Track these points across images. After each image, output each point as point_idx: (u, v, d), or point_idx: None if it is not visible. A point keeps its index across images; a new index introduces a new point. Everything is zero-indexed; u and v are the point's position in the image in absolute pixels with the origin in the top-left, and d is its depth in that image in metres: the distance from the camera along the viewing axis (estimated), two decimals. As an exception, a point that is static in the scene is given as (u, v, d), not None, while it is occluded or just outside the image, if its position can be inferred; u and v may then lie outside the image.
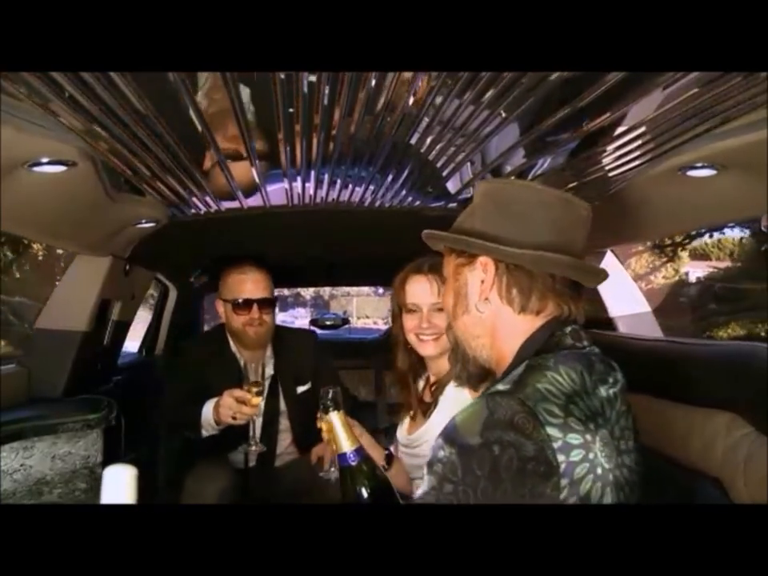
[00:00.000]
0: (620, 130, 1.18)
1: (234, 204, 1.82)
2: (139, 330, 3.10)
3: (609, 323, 2.11)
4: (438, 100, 1.09)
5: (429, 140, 1.33)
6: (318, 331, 4.02)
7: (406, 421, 1.58)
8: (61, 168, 1.25)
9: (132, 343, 2.92)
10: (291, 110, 1.11)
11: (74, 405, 1.84)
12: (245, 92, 1.03)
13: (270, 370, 2.00)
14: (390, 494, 0.98)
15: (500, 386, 0.77)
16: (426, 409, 1.51)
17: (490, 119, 1.17)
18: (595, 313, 2.17)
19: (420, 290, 1.49)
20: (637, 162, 1.36)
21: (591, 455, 0.71)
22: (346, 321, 5.07)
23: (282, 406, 2.04)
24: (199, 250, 2.53)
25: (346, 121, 1.18)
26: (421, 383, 1.60)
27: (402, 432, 1.58)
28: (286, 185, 1.66)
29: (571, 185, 1.62)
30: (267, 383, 1.92)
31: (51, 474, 1.67)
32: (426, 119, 1.20)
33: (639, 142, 1.23)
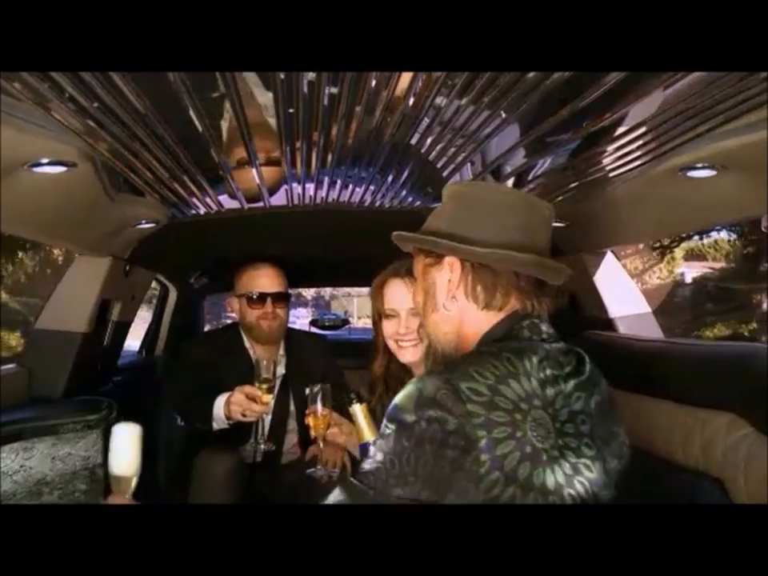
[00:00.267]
0: (620, 130, 1.18)
1: (235, 204, 1.83)
2: (141, 329, 3.11)
3: (609, 324, 2.11)
4: (439, 100, 1.09)
5: (429, 140, 1.33)
6: (318, 332, 4.02)
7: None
8: (61, 169, 1.25)
9: (133, 342, 2.92)
10: (291, 110, 1.12)
11: (74, 405, 1.84)
12: (267, 96, 1.04)
13: (281, 369, 2.01)
14: None
15: (437, 369, 0.83)
16: None
17: (490, 120, 1.17)
18: (595, 313, 2.17)
19: (398, 294, 1.45)
20: (637, 163, 1.36)
21: (519, 434, 0.74)
22: (346, 321, 5.08)
23: (292, 406, 2.05)
24: (199, 251, 2.54)
25: (346, 121, 1.18)
26: None
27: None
28: (286, 185, 1.66)
29: (571, 185, 1.62)
30: (278, 382, 1.93)
31: (51, 475, 1.66)
32: (427, 120, 1.20)
33: (639, 142, 1.23)
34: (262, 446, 1.81)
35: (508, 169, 1.52)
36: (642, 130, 1.16)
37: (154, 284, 2.92)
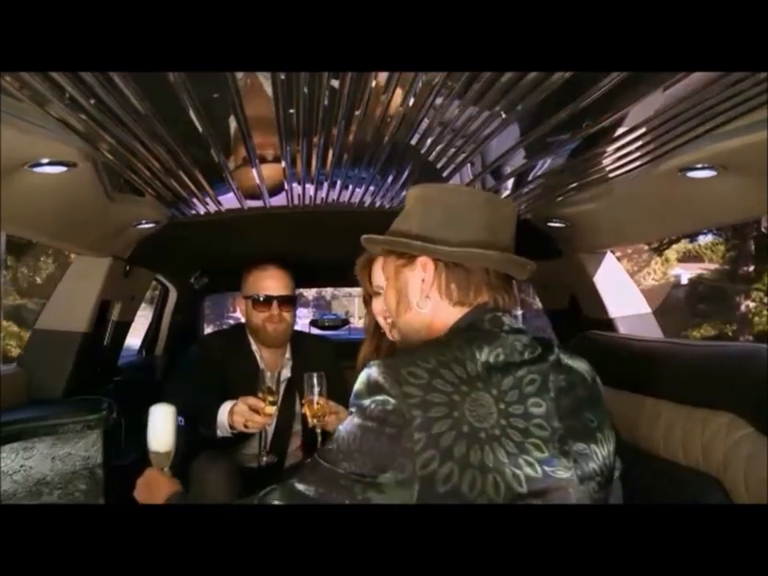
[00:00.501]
0: (620, 130, 1.18)
1: (235, 204, 1.83)
2: (141, 329, 3.11)
3: (609, 324, 2.11)
4: (439, 101, 1.09)
5: (429, 141, 1.33)
6: (318, 332, 4.02)
7: None
8: (61, 169, 1.25)
9: (134, 340, 2.92)
10: (291, 110, 1.12)
11: (74, 405, 1.84)
12: (267, 96, 1.04)
13: (287, 372, 2.00)
14: None
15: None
16: None
17: (490, 120, 1.18)
18: (595, 313, 2.17)
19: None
20: (637, 163, 1.36)
21: (456, 413, 0.78)
22: (346, 321, 5.09)
23: (298, 408, 2.04)
24: (199, 251, 2.53)
25: (346, 122, 1.19)
26: None
27: None
28: (285, 186, 1.66)
29: (571, 185, 1.62)
30: (283, 386, 1.92)
31: (51, 475, 1.66)
32: (427, 120, 1.20)
33: (639, 142, 1.23)
34: (265, 459, 1.80)
35: (508, 169, 1.52)
36: (642, 130, 1.16)
37: (153, 284, 2.92)
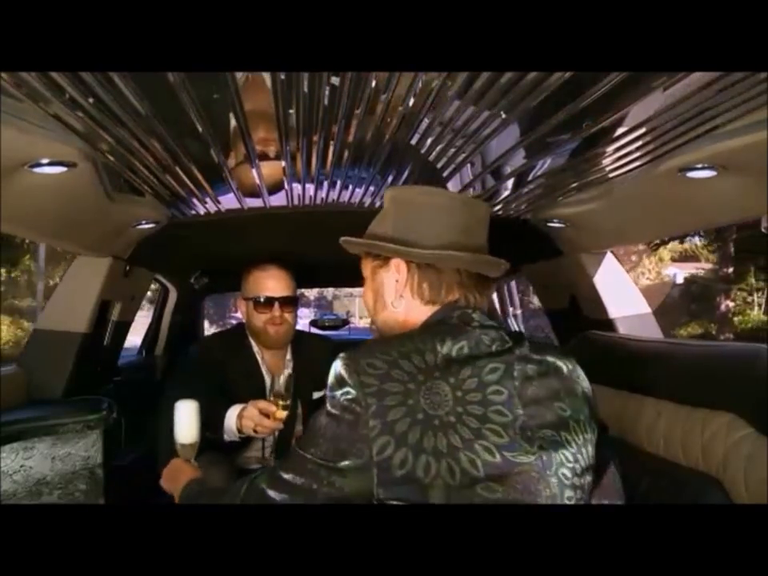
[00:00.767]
0: (620, 130, 1.18)
1: (235, 204, 1.83)
2: (142, 328, 3.11)
3: (609, 324, 2.11)
4: (438, 101, 1.09)
5: (429, 141, 1.33)
6: (319, 332, 4.02)
7: None
8: (61, 169, 1.25)
9: (134, 338, 2.91)
10: (291, 110, 1.12)
11: (74, 406, 1.84)
12: (267, 96, 1.04)
13: (287, 371, 2.00)
14: None
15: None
16: None
17: (490, 120, 1.18)
18: (595, 314, 2.17)
19: None
20: (637, 163, 1.36)
21: (411, 401, 0.81)
22: (346, 322, 5.09)
23: (299, 409, 2.03)
24: (199, 251, 2.53)
25: (346, 121, 1.19)
26: None
27: None
28: (285, 185, 1.66)
29: (572, 185, 1.62)
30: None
31: (51, 475, 1.66)
32: (427, 120, 1.20)
33: (639, 143, 1.23)
34: (268, 461, 1.82)
35: (508, 169, 1.52)
36: (642, 130, 1.16)
37: (154, 284, 2.92)
